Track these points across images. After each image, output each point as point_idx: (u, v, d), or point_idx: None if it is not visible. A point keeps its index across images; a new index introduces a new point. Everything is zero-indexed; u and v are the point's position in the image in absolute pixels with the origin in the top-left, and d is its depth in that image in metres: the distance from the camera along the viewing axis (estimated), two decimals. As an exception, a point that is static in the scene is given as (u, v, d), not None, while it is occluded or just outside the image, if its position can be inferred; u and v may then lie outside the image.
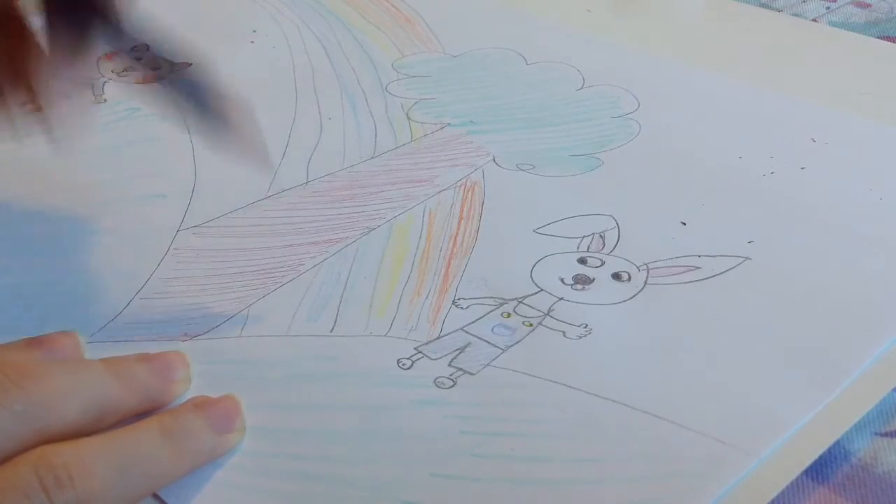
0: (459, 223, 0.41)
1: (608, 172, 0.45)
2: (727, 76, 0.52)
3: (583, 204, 0.42)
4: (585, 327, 0.36)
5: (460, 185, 0.44)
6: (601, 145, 0.46)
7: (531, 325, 0.36)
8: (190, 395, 0.33)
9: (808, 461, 0.31)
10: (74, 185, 0.44)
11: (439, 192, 0.43)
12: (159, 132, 0.47)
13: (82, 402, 0.29)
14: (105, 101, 0.49)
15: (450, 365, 0.35)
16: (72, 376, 0.30)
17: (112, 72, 0.52)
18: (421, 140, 0.47)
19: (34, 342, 0.33)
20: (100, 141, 0.47)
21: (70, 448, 0.28)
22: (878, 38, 0.56)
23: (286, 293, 0.38)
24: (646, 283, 0.38)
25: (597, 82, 0.51)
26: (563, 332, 0.36)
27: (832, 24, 0.58)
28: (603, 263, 0.39)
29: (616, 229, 0.41)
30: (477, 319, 0.37)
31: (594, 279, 0.38)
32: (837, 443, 0.33)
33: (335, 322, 0.37)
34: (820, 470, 0.32)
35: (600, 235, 0.41)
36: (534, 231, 0.41)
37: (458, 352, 0.35)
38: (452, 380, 0.34)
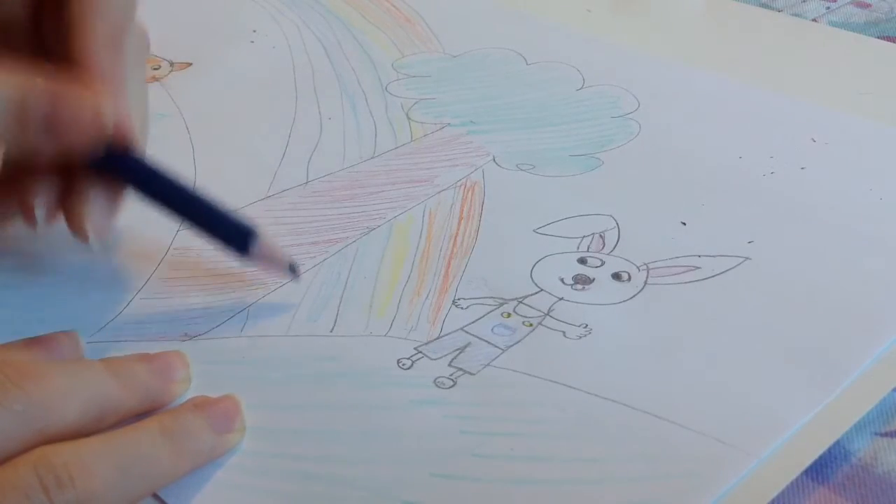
0: (459, 223, 0.41)
1: (608, 172, 0.45)
2: (727, 76, 0.52)
3: (583, 204, 0.42)
4: (585, 327, 0.36)
5: (460, 185, 0.44)
6: (601, 145, 0.46)
7: (531, 325, 0.36)
8: (190, 395, 0.33)
9: (808, 461, 0.31)
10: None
11: (439, 192, 0.43)
12: (159, 132, 0.47)
13: (82, 402, 0.29)
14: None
15: (450, 365, 0.35)
16: (72, 376, 0.30)
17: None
18: (421, 140, 0.47)
19: (34, 342, 0.33)
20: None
21: (70, 448, 0.28)
22: (878, 38, 0.56)
23: (286, 293, 0.38)
24: (646, 283, 0.38)
25: (597, 82, 0.51)
26: (563, 332, 0.36)
27: (832, 24, 0.58)
28: (603, 263, 0.39)
29: (616, 229, 0.41)
30: (477, 319, 0.37)
31: (594, 279, 0.38)
32: (837, 443, 0.33)
33: (335, 322, 0.37)
34: (820, 470, 0.32)
35: (600, 235, 0.41)
36: (534, 231, 0.41)
37: (458, 352, 0.35)
38: (452, 380, 0.34)
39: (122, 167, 0.36)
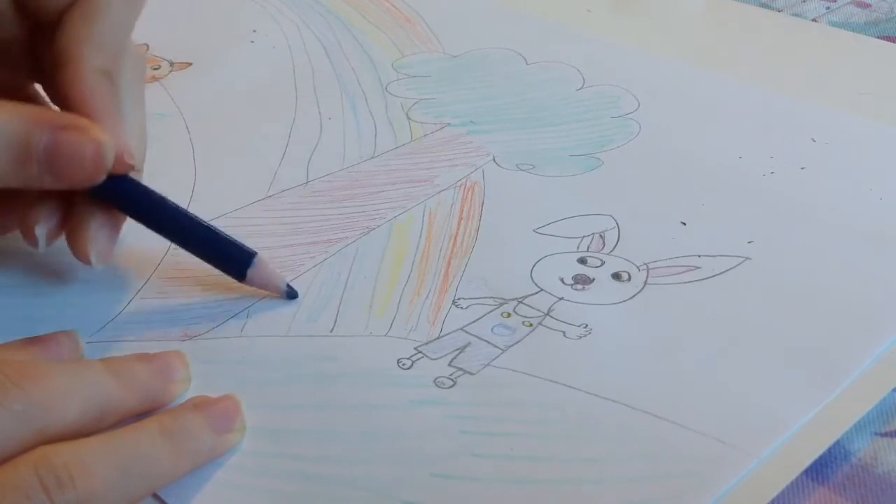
0: (459, 223, 0.41)
1: (608, 172, 0.45)
2: (727, 76, 0.52)
3: (583, 204, 0.42)
4: (585, 327, 0.36)
5: (460, 185, 0.44)
6: (601, 145, 0.46)
7: (531, 325, 0.36)
8: (190, 395, 0.33)
9: (808, 461, 0.31)
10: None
11: (439, 192, 0.43)
12: (159, 132, 0.47)
13: (82, 402, 0.29)
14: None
15: (450, 365, 0.35)
16: (72, 376, 0.30)
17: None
18: (421, 140, 0.47)
19: (34, 342, 0.33)
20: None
21: (70, 448, 0.28)
22: (878, 38, 0.56)
23: (286, 293, 0.38)
24: (646, 283, 0.38)
25: (597, 82, 0.51)
26: (563, 332, 0.36)
27: (832, 24, 0.58)
28: (603, 263, 0.39)
29: (616, 229, 0.41)
30: (477, 319, 0.37)
31: (594, 279, 0.38)
32: (837, 443, 0.33)
33: (335, 322, 0.37)
34: (820, 470, 0.32)
35: (600, 235, 0.41)
36: (534, 231, 0.41)
37: (458, 352, 0.35)
38: (452, 380, 0.34)
39: (120, 195, 0.36)
